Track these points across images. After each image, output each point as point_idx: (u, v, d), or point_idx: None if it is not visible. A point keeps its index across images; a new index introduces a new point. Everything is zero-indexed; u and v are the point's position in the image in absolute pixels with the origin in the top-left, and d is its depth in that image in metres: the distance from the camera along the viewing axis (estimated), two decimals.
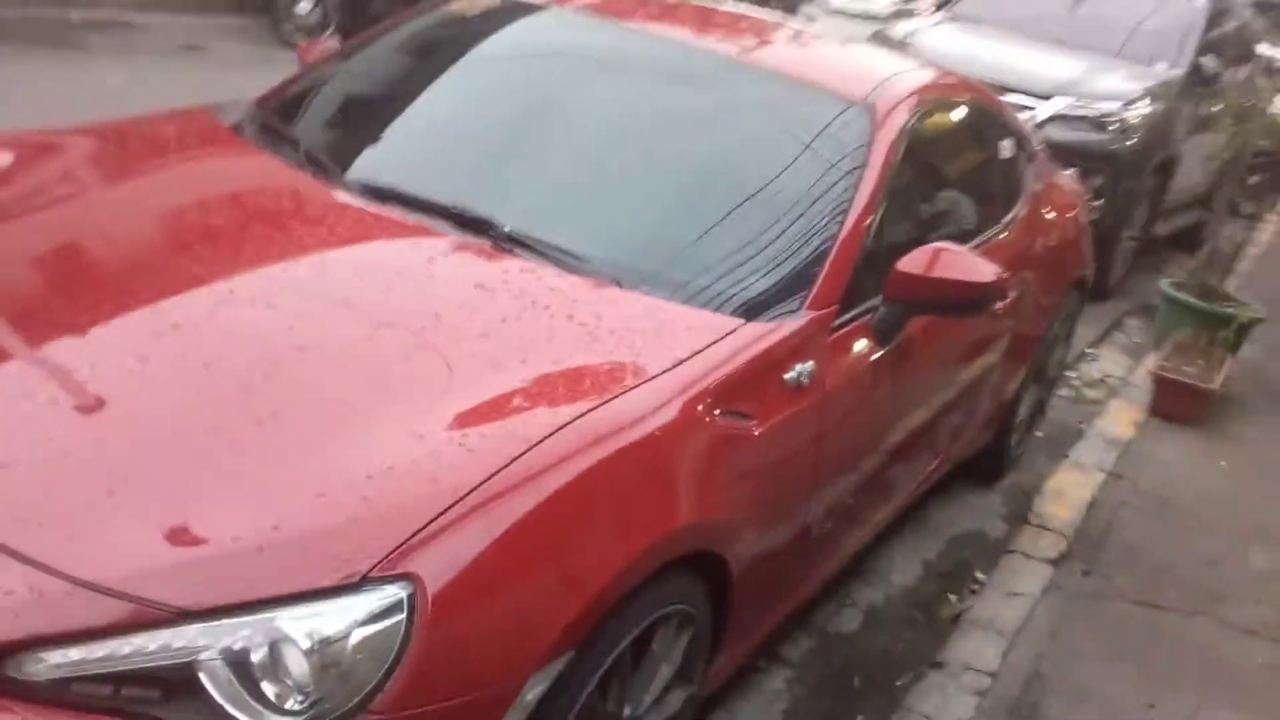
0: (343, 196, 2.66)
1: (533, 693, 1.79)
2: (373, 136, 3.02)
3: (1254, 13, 9.82)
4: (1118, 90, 6.98)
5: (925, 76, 3.44)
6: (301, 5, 10.04)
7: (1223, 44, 8.23)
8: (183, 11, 10.01)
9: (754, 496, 2.34)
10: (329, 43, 3.64)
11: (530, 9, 3.40)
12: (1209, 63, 7.68)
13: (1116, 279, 7.40)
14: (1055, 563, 3.75)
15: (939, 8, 9.41)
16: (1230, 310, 5.38)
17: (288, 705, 1.62)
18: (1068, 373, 5.43)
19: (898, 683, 3.15)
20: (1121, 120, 6.75)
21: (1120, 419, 5.05)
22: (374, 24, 11.65)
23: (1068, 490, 4.27)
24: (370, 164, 2.84)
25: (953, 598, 3.65)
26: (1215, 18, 8.06)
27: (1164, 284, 5.76)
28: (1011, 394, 4.10)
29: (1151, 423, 5.03)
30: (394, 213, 2.59)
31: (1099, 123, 6.75)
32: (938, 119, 3.35)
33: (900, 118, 3.05)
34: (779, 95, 3.02)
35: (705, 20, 3.51)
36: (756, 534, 2.36)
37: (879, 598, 3.58)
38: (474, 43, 3.34)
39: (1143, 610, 3.53)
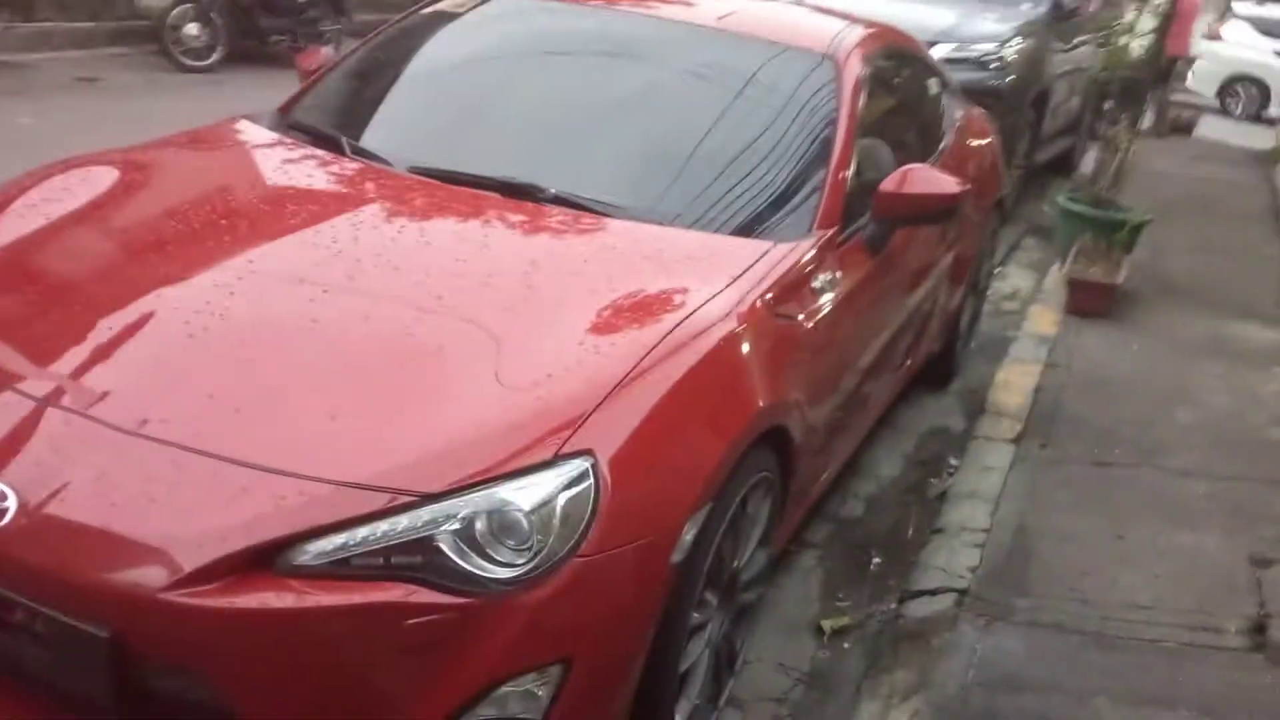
0: (404, 179, 3.03)
1: (689, 535, 2.24)
2: (408, 125, 3.40)
3: None
4: (991, 32, 7.62)
5: (861, 28, 3.93)
6: (189, 28, 10.17)
7: None
8: (65, 48, 10.14)
9: (804, 382, 2.81)
10: (325, 51, 3.97)
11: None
12: None
13: (1009, 205, 8.08)
14: (1015, 441, 4.31)
15: None
16: (1122, 216, 6.05)
17: (513, 560, 2.03)
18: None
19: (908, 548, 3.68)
20: (1000, 58, 7.39)
21: (1043, 320, 5.68)
22: (263, 40, 11.59)
23: (1014, 381, 4.86)
24: (414, 149, 3.18)
25: (934, 481, 4.19)
26: None
27: (1061, 198, 6.39)
28: (957, 304, 4.66)
29: (1070, 320, 5.67)
30: (452, 189, 2.97)
31: (981, 62, 7.37)
32: (881, 63, 3.85)
33: (856, 64, 3.54)
34: (758, 55, 3.47)
35: None
36: (809, 412, 2.84)
37: (873, 488, 4.11)
38: (475, 34, 3.74)
39: (1097, 468, 4.12)
